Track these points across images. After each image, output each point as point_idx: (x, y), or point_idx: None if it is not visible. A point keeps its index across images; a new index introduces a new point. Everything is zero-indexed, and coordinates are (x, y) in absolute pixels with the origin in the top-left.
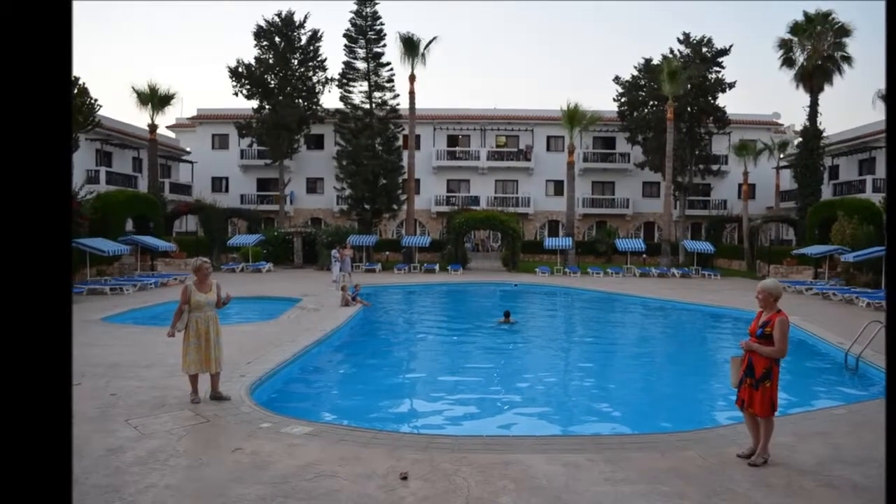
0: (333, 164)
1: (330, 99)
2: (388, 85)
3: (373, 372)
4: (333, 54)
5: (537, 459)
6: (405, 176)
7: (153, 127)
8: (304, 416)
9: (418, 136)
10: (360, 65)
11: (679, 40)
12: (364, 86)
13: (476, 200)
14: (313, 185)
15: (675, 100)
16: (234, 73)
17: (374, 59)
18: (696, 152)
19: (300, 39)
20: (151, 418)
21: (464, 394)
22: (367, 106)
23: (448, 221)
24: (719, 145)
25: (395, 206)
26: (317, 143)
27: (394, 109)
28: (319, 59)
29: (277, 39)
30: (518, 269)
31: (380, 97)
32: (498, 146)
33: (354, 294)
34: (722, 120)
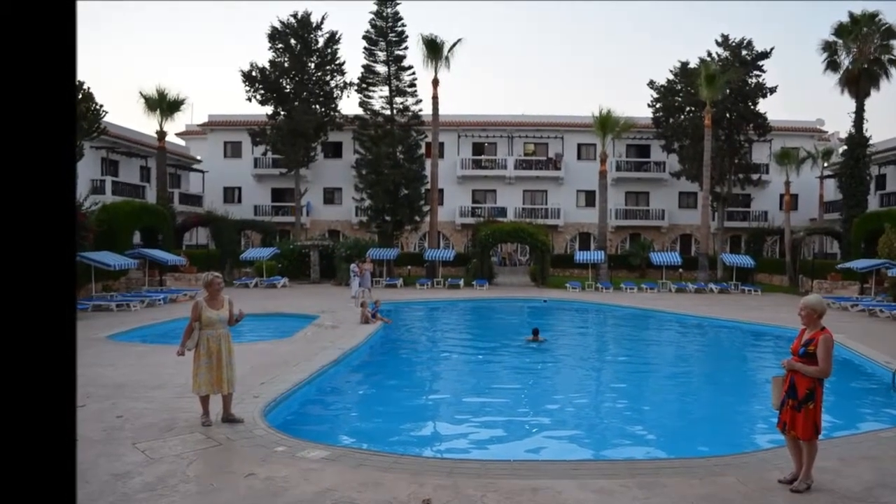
0: (352, 173)
1: (348, 104)
2: (409, 90)
3: (394, 393)
4: (352, 57)
5: (568, 485)
6: (428, 186)
7: (162, 134)
8: (321, 439)
9: (442, 144)
10: (381, 68)
11: (717, 42)
12: (384, 90)
13: (503, 212)
14: (331, 196)
15: (713, 105)
16: (248, 77)
17: (396, 62)
18: (736, 161)
19: (317, 42)
20: (160, 442)
21: (490, 416)
22: (388, 112)
23: (473, 234)
24: (760, 153)
25: (417, 218)
26: (335, 151)
27: (416, 115)
28: (337, 62)
29: (293, 42)
30: (547, 284)
31: (401, 102)
32: (526, 154)
33: (374, 310)
34: (763, 127)
